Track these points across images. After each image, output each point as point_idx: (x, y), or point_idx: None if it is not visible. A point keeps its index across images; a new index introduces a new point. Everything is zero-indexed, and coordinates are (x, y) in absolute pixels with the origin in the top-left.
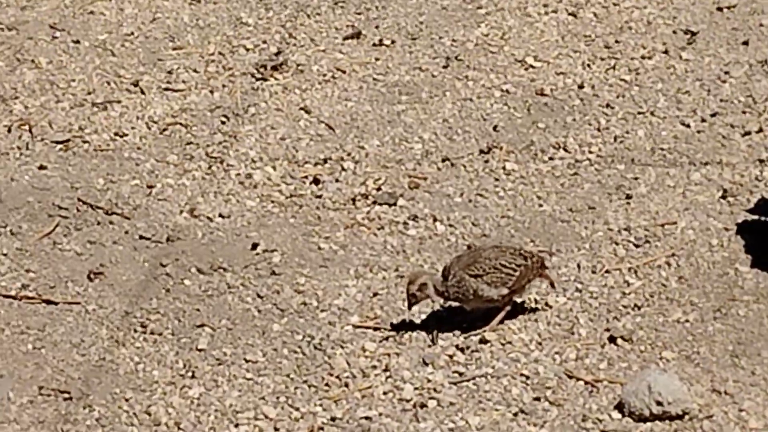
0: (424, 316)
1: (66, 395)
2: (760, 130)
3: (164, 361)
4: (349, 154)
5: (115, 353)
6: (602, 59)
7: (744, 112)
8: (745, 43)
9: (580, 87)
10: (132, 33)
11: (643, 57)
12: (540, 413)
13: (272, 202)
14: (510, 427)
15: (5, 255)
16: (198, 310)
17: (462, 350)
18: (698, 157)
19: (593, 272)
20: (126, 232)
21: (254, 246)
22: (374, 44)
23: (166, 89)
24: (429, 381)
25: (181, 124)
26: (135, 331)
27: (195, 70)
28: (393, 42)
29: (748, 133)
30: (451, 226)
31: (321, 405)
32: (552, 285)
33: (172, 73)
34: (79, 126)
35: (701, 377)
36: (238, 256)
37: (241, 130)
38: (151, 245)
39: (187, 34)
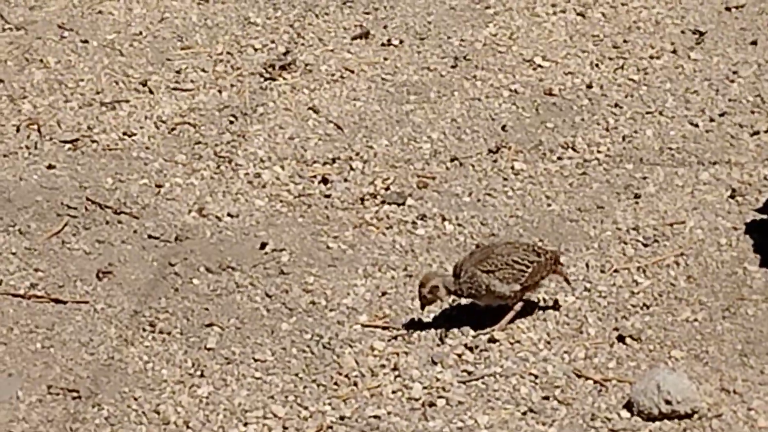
0: (432, 316)
1: (75, 394)
2: None
3: (173, 360)
4: (357, 154)
5: (123, 352)
6: (611, 59)
7: (752, 112)
8: (754, 42)
9: (589, 87)
10: (140, 33)
11: (651, 57)
12: (549, 412)
13: (281, 201)
14: (519, 426)
15: (14, 254)
16: (207, 309)
17: (471, 349)
18: (707, 157)
19: (602, 271)
20: (135, 232)
21: (263, 245)
22: (382, 44)
23: (175, 89)
24: (438, 380)
25: (189, 123)
26: (144, 330)
27: (203, 70)
28: (401, 42)
29: (756, 133)
30: (459, 225)
31: (330, 404)
32: (567, 281)
33: (181, 73)
34: (87, 125)
35: (710, 376)
36: (247, 255)
37: (249, 130)
38: (160, 244)
39: (195, 34)
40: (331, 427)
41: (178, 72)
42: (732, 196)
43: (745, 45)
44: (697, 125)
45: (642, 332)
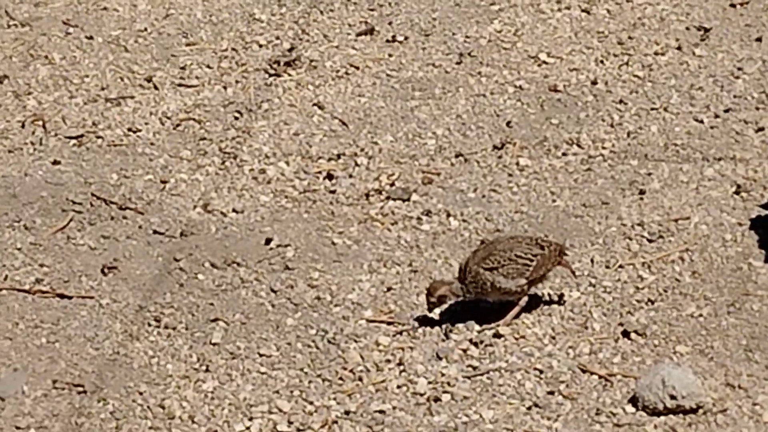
0: (437, 311)
1: (80, 389)
2: None
3: (178, 355)
4: (362, 150)
5: (129, 347)
6: (615, 55)
7: (757, 108)
8: (759, 39)
9: (594, 83)
10: (145, 29)
11: (656, 53)
12: (554, 407)
13: (286, 197)
14: (524, 420)
15: (19, 249)
16: (212, 304)
17: (476, 344)
18: (711, 153)
19: (607, 267)
20: (140, 227)
21: (268, 241)
22: (387, 40)
23: (180, 85)
24: (443, 375)
25: (194, 119)
26: (149, 325)
27: (208, 66)
28: (406, 38)
29: (761, 129)
30: (464, 221)
31: (335, 399)
32: (572, 273)
33: (186, 69)
34: (92, 121)
35: (715, 371)
36: (252, 250)
37: (254, 126)
38: (165, 240)
39: (200, 30)
40: (336, 422)
41: (182, 68)
42: (737, 192)
43: (750, 41)
44: (702, 121)
45: (647, 327)
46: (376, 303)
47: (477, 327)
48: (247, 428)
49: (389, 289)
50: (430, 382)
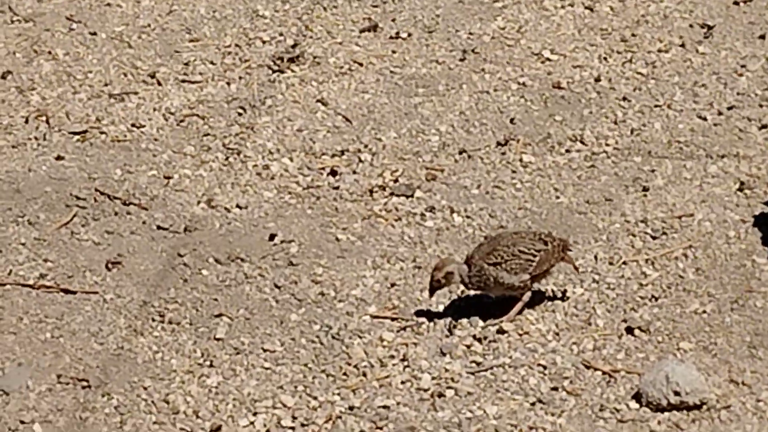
0: (441, 307)
1: (84, 383)
2: None
3: (182, 350)
4: (366, 146)
5: (133, 342)
6: (619, 53)
7: (761, 106)
8: (762, 37)
9: (597, 80)
10: (149, 25)
11: (659, 50)
12: (557, 403)
13: (289, 193)
14: (527, 416)
15: (23, 245)
16: (216, 299)
17: (479, 340)
18: (715, 150)
19: (610, 263)
20: (143, 223)
21: (272, 237)
22: (391, 37)
23: (183, 81)
24: (447, 371)
25: (198, 115)
26: (153, 320)
27: (212, 62)
28: (410, 35)
29: (764, 126)
30: (468, 217)
31: (339, 394)
32: (576, 269)
33: (189, 65)
34: (96, 117)
35: (719, 368)
36: (256, 246)
37: (258, 122)
38: (169, 235)
39: (203, 27)
40: (340, 417)
41: (186, 64)
42: (740, 189)
43: (754, 39)
44: (705, 119)
45: (650, 324)
46: (380, 299)
47: (481, 323)
48: (252, 423)
49: (393, 285)
50: (434, 378)
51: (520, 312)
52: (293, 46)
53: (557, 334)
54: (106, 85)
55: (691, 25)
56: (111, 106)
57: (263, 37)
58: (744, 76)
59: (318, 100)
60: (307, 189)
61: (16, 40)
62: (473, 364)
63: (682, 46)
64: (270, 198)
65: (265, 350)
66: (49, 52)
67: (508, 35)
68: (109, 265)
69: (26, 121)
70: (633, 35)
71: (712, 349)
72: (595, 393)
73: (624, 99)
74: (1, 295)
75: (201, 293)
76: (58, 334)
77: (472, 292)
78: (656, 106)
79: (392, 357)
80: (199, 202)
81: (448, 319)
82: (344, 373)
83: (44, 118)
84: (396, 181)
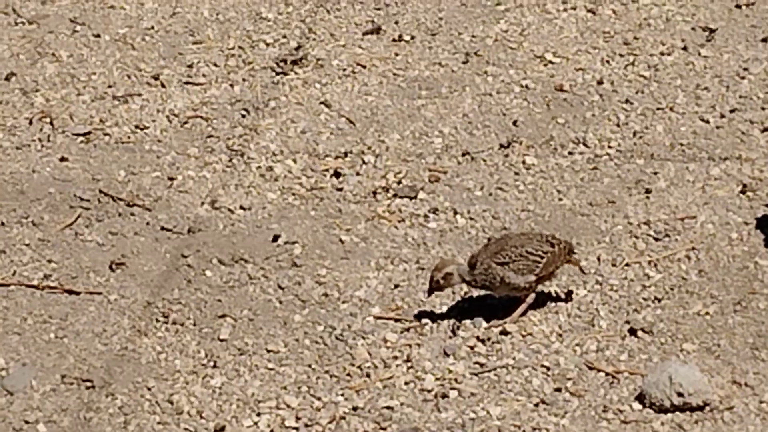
0: (445, 308)
1: (88, 384)
2: None
3: (186, 350)
4: (369, 148)
5: (137, 342)
6: (621, 55)
7: (763, 108)
8: (764, 40)
9: (599, 83)
10: (152, 27)
11: (662, 53)
12: (561, 404)
13: (293, 194)
14: (531, 417)
15: (27, 245)
16: (219, 300)
17: (483, 341)
18: (717, 153)
19: (613, 265)
20: (147, 224)
21: (275, 238)
22: (394, 39)
23: (187, 83)
24: (450, 371)
25: (201, 117)
26: (157, 321)
27: (215, 64)
28: (412, 37)
29: (767, 129)
30: (471, 219)
31: (343, 395)
32: (582, 271)
33: (193, 67)
34: (100, 119)
35: (722, 369)
36: (259, 247)
37: (261, 124)
38: (173, 236)
39: (207, 29)
40: (344, 418)
41: (190, 66)
42: (743, 192)
43: (756, 42)
44: (707, 121)
45: (653, 325)
46: (384, 300)
47: (484, 324)
48: (255, 424)
49: (396, 286)
50: (437, 379)
51: (523, 313)
52: (296, 49)
53: (560, 335)
54: (109, 86)
55: (693, 29)
56: (115, 107)
57: (266, 39)
58: (746, 79)
59: (321, 102)
60: (310, 190)
61: (19, 42)
62: (477, 365)
63: (685, 49)
64: (273, 199)
65: (268, 351)
66: (53, 54)
67: (510, 38)
68: (113, 266)
69: (30, 123)
70: (635, 38)
71: (715, 351)
72: (598, 394)
73: (626, 102)
74: (5, 296)
75: (205, 294)
76: (62, 334)
77: (475, 293)
78: (659, 108)
79: (396, 358)
80: (202, 204)
81: (452, 321)
82: (348, 374)
83: (48, 120)
84: (399, 182)
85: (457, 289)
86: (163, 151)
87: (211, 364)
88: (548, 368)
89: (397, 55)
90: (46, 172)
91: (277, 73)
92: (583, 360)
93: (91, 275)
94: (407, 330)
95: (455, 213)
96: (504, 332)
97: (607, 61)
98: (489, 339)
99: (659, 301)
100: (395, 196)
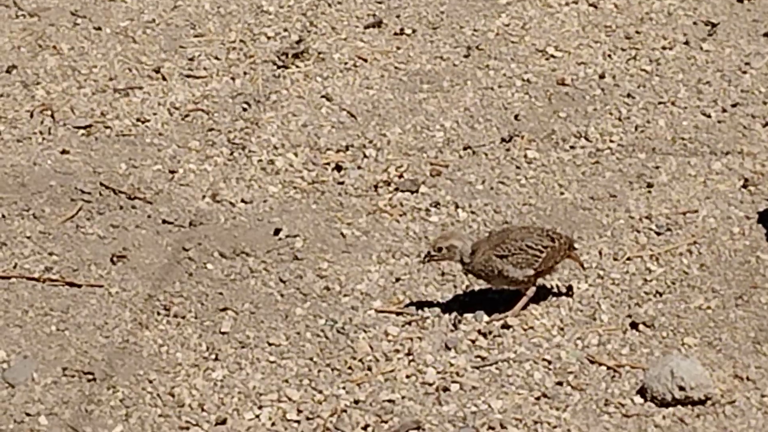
0: (446, 302)
1: (90, 376)
2: None
3: (187, 343)
4: (371, 142)
5: (138, 335)
6: (623, 50)
7: (764, 103)
8: (766, 34)
9: (601, 77)
10: (153, 20)
11: (663, 48)
12: (562, 397)
13: (294, 188)
14: (532, 410)
15: (28, 238)
16: (221, 293)
17: (484, 335)
18: (719, 147)
19: (615, 259)
20: (148, 217)
21: (277, 231)
22: (395, 33)
23: (188, 76)
24: (451, 365)
25: (202, 110)
26: (158, 314)
27: (216, 58)
28: (414, 31)
29: None
30: (473, 213)
31: (344, 388)
32: (581, 266)
33: (194, 60)
34: (101, 111)
35: (723, 363)
36: (261, 241)
37: (262, 117)
38: (174, 229)
39: (208, 22)
40: (345, 411)
41: (191, 59)
42: (744, 186)
43: (758, 37)
44: (709, 116)
45: (655, 319)
46: (385, 293)
47: (486, 318)
48: (257, 416)
49: (398, 279)
50: (438, 372)
51: (524, 307)
52: (298, 42)
53: (562, 329)
54: (110, 79)
55: (695, 23)
56: (116, 100)
57: (268, 32)
58: (748, 74)
59: (323, 96)
60: (312, 184)
61: (21, 34)
62: (478, 359)
63: (686, 43)
64: (275, 193)
65: (270, 344)
66: (54, 47)
67: (512, 32)
68: (114, 259)
69: (31, 116)
70: (637, 32)
71: (717, 345)
72: (600, 388)
73: (628, 96)
74: (6, 288)
75: (206, 287)
76: (63, 327)
77: (476, 286)
78: (660, 103)
79: (397, 351)
80: (204, 197)
81: (453, 314)
82: (349, 367)
83: (49, 113)
84: (401, 176)
85: (458, 282)
86: (164, 144)
87: (213, 357)
88: (550, 362)
89: (398, 48)
90: (47, 165)
91: (279, 67)
92: (585, 354)
93: (92, 268)
94: (409, 323)
95: (457, 207)
96: (505, 326)
97: (609, 55)
98: (490, 332)
99: (661, 295)
100: (397, 189)
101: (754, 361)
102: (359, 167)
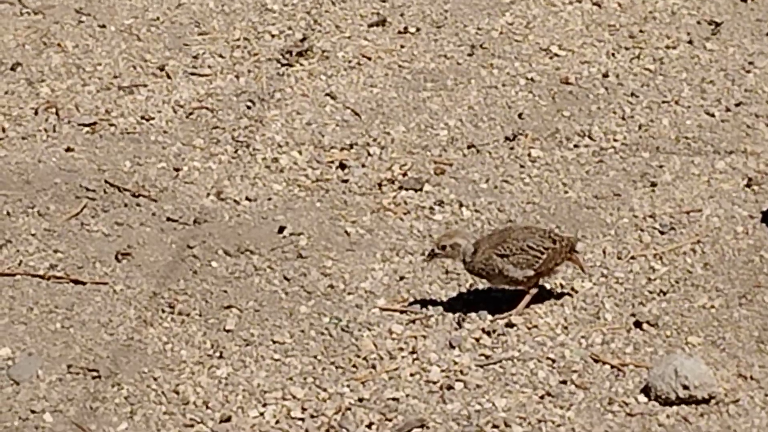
0: (450, 300)
1: (94, 374)
2: None
3: (192, 341)
4: (375, 140)
5: (143, 333)
6: (627, 49)
7: None
8: None
9: (605, 76)
10: (158, 18)
11: (667, 47)
12: (566, 396)
13: (298, 186)
14: (536, 409)
15: (33, 235)
16: (225, 291)
17: (488, 333)
18: (723, 146)
19: (619, 258)
20: (153, 214)
21: (281, 229)
22: (399, 32)
23: (192, 74)
24: (456, 363)
25: (207, 108)
26: (163, 311)
27: (220, 56)
28: (418, 29)
29: None
30: (477, 211)
31: (348, 386)
32: (582, 269)
33: (198, 58)
34: (105, 109)
35: (727, 362)
36: (265, 239)
37: (266, 115)
38: (179, 227)
39: (212, 20)
40: (349, 409)
41: (195, 57)
42: (748, 185)
43: (761, 36)
44: (713, 115)
45: (659, 318)
46: (389, 292)
47: (489, 316)
48: (261, 414)
49: (402, 278)
50: (443, 371)
51: (528, 305)
52: (302, 40)
53: (566, 327)
54: (115, 77)
55: (698, 22)
56: (120, 98)
57: (272, 30)
58: (752, 73)
59: (327, 94)
60: (316, 182)
61: (25, 32)
62: (482, 357)
63: (690, 42)
64: (279, 191)
65: (274, 342)
66: (59, 45)
67: (516, 31)
68: (119, 257)
69: (36, 113)
70: (641, 31)
71: (721, 344)
72: (604, 386)
73: (632, 95)
74: (11, 286)
75: (210, 285)
76: (68, 324)
77: (481, 285)
78: (664, 102)
79: (401, 349)
80: (208, 195)
81: (457, 313)
82: (353, 365)
83: (54, 110)
84: (405, 174)
85: (463, 281)
86: (168, 142)
87: (217, 354)
88: (554, 361)
89: (402, 47)
90: (52, 162)
91: (283, 65)
92: (589, 352)
93: (97, 265)
94: (413, 322)
95: (461, 205)
96: (509, 324)
97: (613, 54)
98: (494, 331)
99: (665, 294)
100: (401, 188)
101: (757, 360)
102: (363, 165)
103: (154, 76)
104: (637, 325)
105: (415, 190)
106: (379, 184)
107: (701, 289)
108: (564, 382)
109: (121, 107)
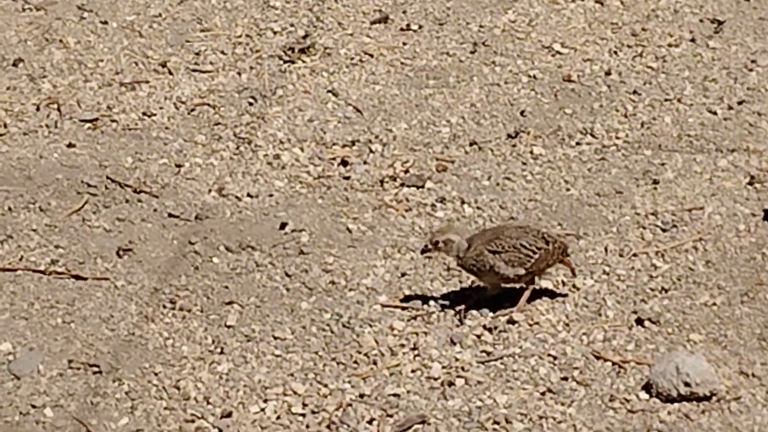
0: (451, 296)
1: (95, 369)
2: None
3: (193, 336)
4: (377, 137)
5: (144, 328)
6: (629, 47)
7: None
8: None
9: (607, 74)
10: (160, 14)
11: (670, 45)
12: (567, 393)
13: (300, 182)
14: (537, 405)
15: (35, 231)
16: (227, 287)
17: (490, 330)
18: (725, 144)
19: (620, 255)
20: (154, 210)
21: (282, 225)
22: (402, 29)
23: (194, 70)
24: (457, 360)
25: (209, 104)
26: (164, 307)
27: (223, 52)
28: (420, 27)
29: None
30: (478, 208)
31: (349, 382)
32: (573, 272)
33: (200, 55)
34: (107, 105)
35: (729, 359)
36: (267, 235)
37: (268, 112)
38: (180, 223)
39: (214, 17)
40: (350, 405)
41: (197, 54)
42: (750, 183)
43: (764, 34)
44: (715, 113)
45: (660, 315)
46: (391, 288)
47: (491, 313)
48: (262, 410)
49: (403, 274)
50: (444, 367)
51: (528, 301)
52: (304, 37)
53: (567, 324)
54: (117, 73)
55: (701, 20)
56: (122, 94)
57: (274, 27)
58: (754, 71)
59: (329, 91)
60: (317, 179)
61: (27, 28)
62: (483, 354)
63: (693, 40)
64: (281, 187)
65: (275, 338)
66: (61, 41)
67: (518, 28)
68: (120, 252)
69: (37, 109)
70: (643, 29)
71: (722, 341)
72: (605, 383)
73: (634, 93)
74: (12, 281)
75: (212, 281)
76: (69, 319)
77: (481, 283)
78: (666, 100)
79: (402, 346)
80: (210, 191)
81: (459, 309)
82: (355, 361)
83: (55, 106)
84: (407, 171)
85: (464, 278)
86: (170, 138)
87: (218, 350)
88: (555, 357)
89: (404, 44)
90: (54, 158)
91: (285, 62)
92: (590, 349)
93: (98, 261)
94: (414, 318)
95: (462, 202)
96: (511, 321)
97: (615, 52)
98: (496, 328)
99: (666, 291)
100: (402, 185)
101: (759, 358)
102: (365, 162)
103: (156, 72)
104: (639, 322)
105: (417, 187)
106: (381, 181)
107: (703, 286)
108: (565, 379)
109: (122, 103)
